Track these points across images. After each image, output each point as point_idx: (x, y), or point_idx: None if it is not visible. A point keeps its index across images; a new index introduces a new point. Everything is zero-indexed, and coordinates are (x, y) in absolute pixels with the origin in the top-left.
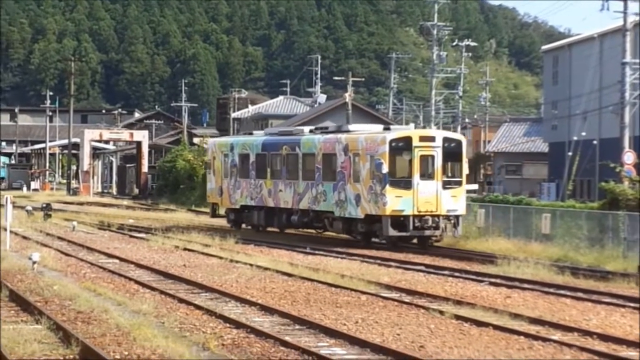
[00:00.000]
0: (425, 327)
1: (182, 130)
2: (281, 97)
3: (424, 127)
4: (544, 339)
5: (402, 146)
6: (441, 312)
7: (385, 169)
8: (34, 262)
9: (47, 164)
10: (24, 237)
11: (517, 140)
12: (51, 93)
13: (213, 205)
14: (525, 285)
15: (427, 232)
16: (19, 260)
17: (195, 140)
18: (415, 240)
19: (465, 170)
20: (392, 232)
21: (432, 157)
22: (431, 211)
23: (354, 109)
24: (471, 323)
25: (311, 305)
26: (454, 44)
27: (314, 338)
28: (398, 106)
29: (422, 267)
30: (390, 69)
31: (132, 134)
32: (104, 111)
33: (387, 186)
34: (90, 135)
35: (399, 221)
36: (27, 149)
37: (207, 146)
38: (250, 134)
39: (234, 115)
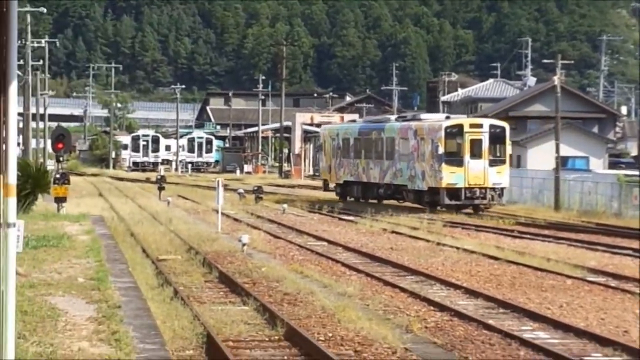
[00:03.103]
0: (630, 312)
1: (392, 114)
2: (491, 80)
3: (636, 110)
4: None
5: (455, 132)
6: None
7: (441, 150)
8: (244, 244)
9: (260, 147)
10: (235, 220)
11: None
12: (264, 77)
13: (324, 181)
14: None
15: (477, 201)
16: (230, 242)
17: None
18: (470, 210)
19: (509, 151)
20: (448, 201)
21: (480, 140)
22: (479, 184)
23: (563, 92)
24: None
25: (516, 289)
26: None
27: (517, 322)
28: (609, 89)
29: (630, 252)
30: (601, 51)
31: (342, 118)
32: (315, 95)
33: (443, 164)
34: (302, 119)
35: (453, 192)
36: (240, 133)
37: (320, 131)
38: (353, 121)
39: (443, 98)
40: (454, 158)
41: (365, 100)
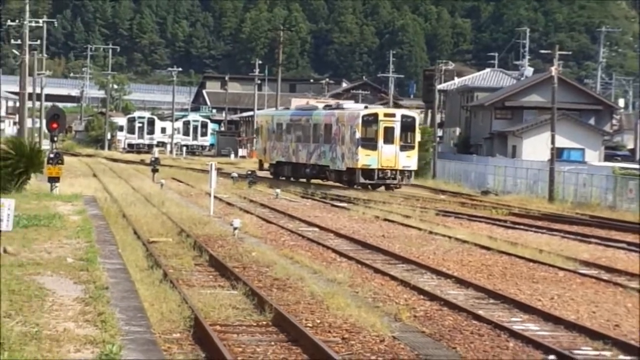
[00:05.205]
0: (622, 306)
1: (388, 101)
2: (488, 70)
3: (633, 103)
4: None
5: (371, 120)
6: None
7: (358, 135)
8: (235, 228)
9: (255, 132)
10: (228, 204)
11: None
12: (261, 62)
13: (260, 161)
14: None
15: (388, 181)
16: (221, 226)
17: None
18: (382, 188)
19: (418, 138)
20: (362, 180)
21: (393, 128)
22: (391, 166)
23: (560, 83)
24: None
25: (507, 280)
26: None
27: (507, 313)
28: (607, 81)
29: (624, 245)
30: (599, 43)
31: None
32: (312, 80)
33: (360, 147)
34: (298, 104)
35: (367, 173)
36: (236, 117)
37: (257, 117)
38: (287, 109)
39: (439, 87)
40: (369, 143)
41: (362, 87)
